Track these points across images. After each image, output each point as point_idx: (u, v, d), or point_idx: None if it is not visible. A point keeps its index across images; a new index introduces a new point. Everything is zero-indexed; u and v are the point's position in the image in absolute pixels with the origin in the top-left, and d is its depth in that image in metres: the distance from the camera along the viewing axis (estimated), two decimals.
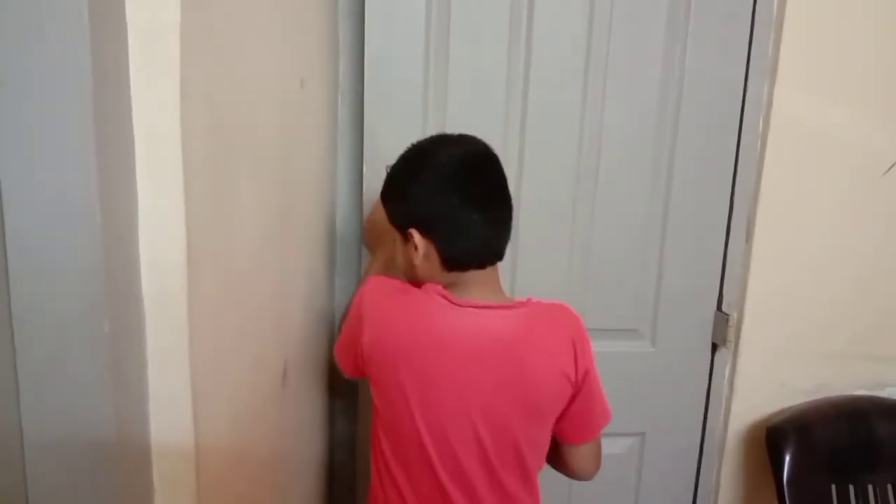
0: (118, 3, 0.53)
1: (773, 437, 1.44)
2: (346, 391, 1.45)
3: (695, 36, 1.38)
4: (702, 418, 1.58)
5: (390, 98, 1.32)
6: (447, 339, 0.96)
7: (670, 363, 1.52)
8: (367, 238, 1.31)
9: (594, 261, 1.45)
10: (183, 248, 0.60)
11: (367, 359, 1.01)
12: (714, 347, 1.54)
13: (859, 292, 1.52)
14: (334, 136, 1.40)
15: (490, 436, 0.98)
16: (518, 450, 1.00)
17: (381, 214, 1.06)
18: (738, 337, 1.48)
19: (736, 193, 1.47)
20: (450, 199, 0.95)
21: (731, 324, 1.48)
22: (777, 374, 1.52)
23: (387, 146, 1.08)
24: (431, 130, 1.20)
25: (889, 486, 1.46)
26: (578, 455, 1.07)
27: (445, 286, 0.99)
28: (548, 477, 1.07)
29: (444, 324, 0.97)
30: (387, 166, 1.04)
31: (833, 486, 1.44)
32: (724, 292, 1.51)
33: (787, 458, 1.41)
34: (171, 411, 0.62)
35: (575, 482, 1.13)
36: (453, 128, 1.08)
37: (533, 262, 1.42)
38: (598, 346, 1.02)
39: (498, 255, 1.01)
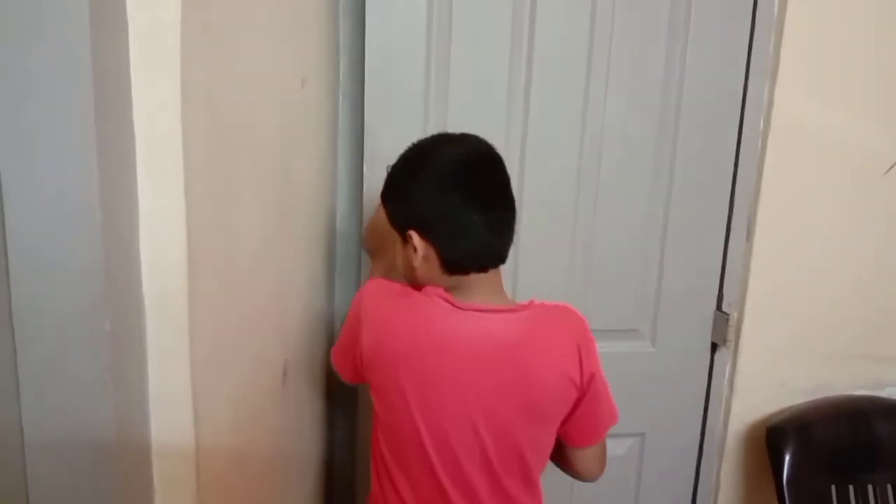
0: (118, 3, 0.53)
1: (773, 437, 1.44)
2: (346, 391, 1.45)
3: (695, 37, 1.38)
4: (701, 418, 1.58)
5: (390, 98, 1.32)
6: (449, 342, 0.96)
7: (670, 363, 1.52)
8: (368, 242, 1.29)
9: (595, 261, 1.45)
10: (183, 248, 0.60)
11: (366, 362, 1.00)
12: (714, 347, 1.54)
13: (859, 292, 1.52)
14: (334, 136, 1.40)
15: (492, 439, 0.97)
16: (520, 453, 0.99)
17: (382, 217, 1.05)
18: (738, 337, 1.48)
19: (736, 193, 1.47)
20: (450, 198, 0.94)
21: (731, 323, 1.49)
22: (777, 374, 1.52)
23: (387, 146, 1.07)
24: (432, 130, 1.20)
25: (889, 486, 1.46)
26: (583, 458, 1.06)
27: (447, 289, 0.98)
28: (550, 478, 1.06)
29: (445, 327, 0.96)
30: (387, 166, 1.03)
31: (833, 486, 1.44)
32: (724, 292, 1.51)
33: (787, 458, 1.41)
34: (171, 411, 0.62)
35: (577, 483, 1.13)
36: (454, 128, 1.08)
37: (534, 261, 1.42)
38: (598, 347, 1.02)
39: (500, 258, 0.99)
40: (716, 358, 1.54)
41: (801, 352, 1.52)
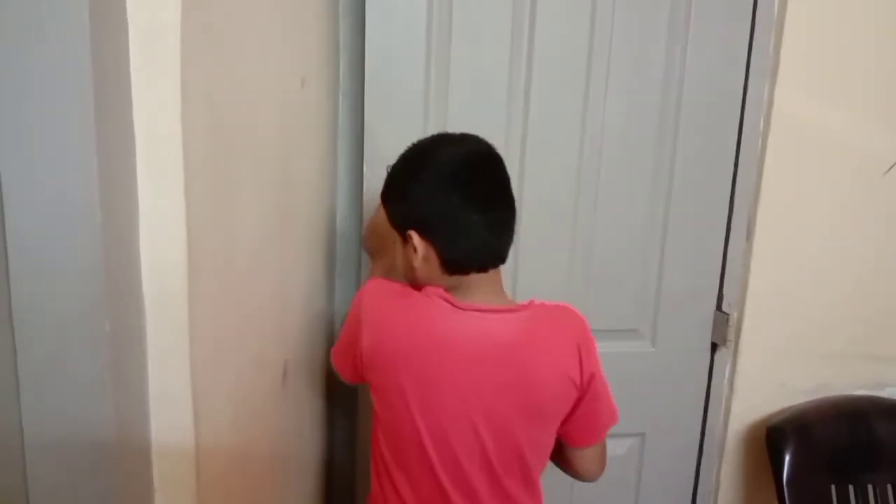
0: (118, 3, 0.53)
1: (773, 436, 1.44)
2: (346, 391, 1.45)
3: (695, 37, 1.38)
4: (701, 418, 1.58)
5: (390, 98, 1.32)
6: (449, 342, 0.96)
7: (670, 363, 1.52)
8: (368, 242, 1.29)
9: (595, 261, 1.45)
10: (183, 248, 0.60)
11: (366, 362, 1.00)
12: (714, 347, 1.54)
13: (859, 292, 1.52)
14: (334, 136, 1.40)
15: (492, 439, 0.97)
16: (520, 453, 0.99)
17: (382, 217, 1.04)
18: (738, 337, 1.48)
19: (736, 193, 1.47)
20: (450, 198, 0.94)
21: (731, 323, 1.49)
22: (777, 374, 1.52)
23: (387, 146, 1.07)
24: (432, 130, 1.20)
25: (889, 486, 1.46)
26: (583, 458, 1.06)
27: (447, 289, 0.98)
28: (550, 478, 1.07)
29: (445, 327, 0.96)
30: (387, 166, 1.03)
31: (833, 486, 1.44)
32: (724, 292, 1.51)
33: (787, 458, 1.41)
34: (171, 411, 0.62)
35: (577, 483, 1.13)
36: (454, 128, 1.07)
37: (534, 261, 1.42)
38: (598, 346, 1.02)
39: (500, 258, 0.99)
40: (716, 358, 1.54)
41: (801, 352, 1.52)
